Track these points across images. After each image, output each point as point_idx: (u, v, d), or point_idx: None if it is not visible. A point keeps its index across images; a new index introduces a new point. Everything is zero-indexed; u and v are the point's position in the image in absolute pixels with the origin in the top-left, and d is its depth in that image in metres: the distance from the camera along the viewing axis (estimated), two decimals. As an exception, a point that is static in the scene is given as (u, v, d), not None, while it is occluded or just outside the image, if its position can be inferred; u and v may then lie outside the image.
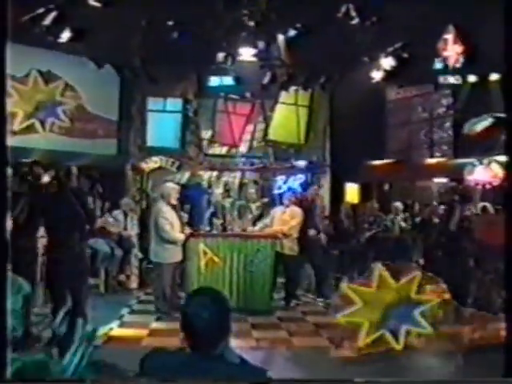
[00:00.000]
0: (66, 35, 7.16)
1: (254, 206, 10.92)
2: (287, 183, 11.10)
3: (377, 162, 12.19)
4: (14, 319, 2.02)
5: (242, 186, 11.88)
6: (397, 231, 9.98)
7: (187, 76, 10.66)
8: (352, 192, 11.51)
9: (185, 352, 1.86)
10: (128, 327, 6.14)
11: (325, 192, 11.06)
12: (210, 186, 11.76)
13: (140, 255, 9.17)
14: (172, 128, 10.72)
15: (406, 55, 10.16)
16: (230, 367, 1.79)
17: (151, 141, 10.67)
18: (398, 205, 10.19)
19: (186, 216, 10.48)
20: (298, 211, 7.84)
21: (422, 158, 12.15)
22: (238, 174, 11.70)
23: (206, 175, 11.55)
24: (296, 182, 11.07)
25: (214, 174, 11.67)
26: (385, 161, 12.05)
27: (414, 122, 12.52)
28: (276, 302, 7.66)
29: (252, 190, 11.58)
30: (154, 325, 6.35)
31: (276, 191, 11.16)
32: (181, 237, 6.97)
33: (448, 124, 12.05)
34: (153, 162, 10.73)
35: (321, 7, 9.01)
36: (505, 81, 2.42)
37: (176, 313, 6.89)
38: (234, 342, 5.51)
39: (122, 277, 9.11)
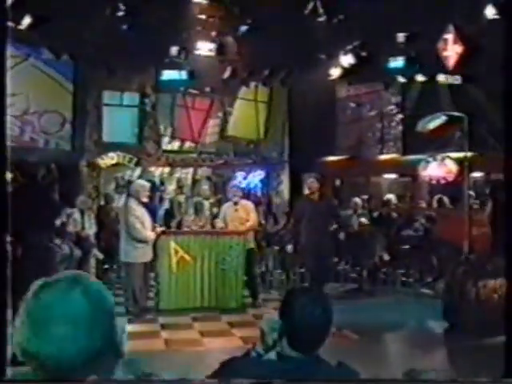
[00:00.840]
0: (26, 21, 6.66)
1: (207, 203, 10.78)
2: (247, 179, 11.04)
3: (332, 158, 12.38)
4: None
5: (194, 182, 11.71)
6: (356, 227, 10.16)
7: (144, 69, 10.32)
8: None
9: (280, 353, 1.76)
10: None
11: (285, 187, 11.10)
12: (162, 183, 11.51)
13: (100, 256, 8.80)
14: (129, 123, 10.36)
15: (364, 53, 10.38)
16: (328, 367, 1.72)
17: (107, 136, 10.25)
18: (358, 200, 10.36)
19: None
20: (250, 205, 7.78)
21: (374, 155, 12.47)
22: (191, 170, 11.51)
23: (157, 171, 11.27)
24: (256, 177, 11.03)
25: (166, 170, 11.42)
26: (340, 157, 12.26)
27: (364, 120, 12.80)
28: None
29: (205, 187, 11.43)
30: (128, 327, 6.05)
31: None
32: (152, 235, 6.75)
33: (397, 121, 12.41)
34: (109, 158, 10.31)
35: (284, 3, 9.03)
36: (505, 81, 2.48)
37: (148, 314, 6.67)
38: (217, 342, 5.45)
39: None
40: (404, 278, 9.49)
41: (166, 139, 10.90)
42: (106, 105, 10.26)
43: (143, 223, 6.71)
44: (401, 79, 11.51)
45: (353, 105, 12.77)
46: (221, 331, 5.84)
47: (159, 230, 6.98)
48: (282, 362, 1.73)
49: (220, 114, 11.08)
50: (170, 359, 4.67)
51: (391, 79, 11.76)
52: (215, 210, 10.44)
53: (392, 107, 12.48)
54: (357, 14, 9.18)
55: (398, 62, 10.82)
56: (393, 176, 12.60)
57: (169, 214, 11.01)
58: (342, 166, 12.37)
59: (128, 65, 9.78)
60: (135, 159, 10.51)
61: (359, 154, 12.30)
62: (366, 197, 11.43)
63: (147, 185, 7.14)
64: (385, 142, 12.60)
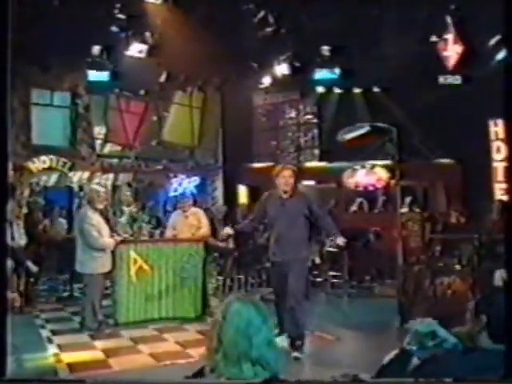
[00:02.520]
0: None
1: (127, 210, 10.44)
2: (182, 185, 10.83)
3: (259, 165, 12.54)
4: (273, 352, 1.69)
5: (115, 188, 11.28)
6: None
7: (76, 68, 9.69)
8: (243, 194, 11.67)
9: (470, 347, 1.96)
10: (72, 350, 5.39)
11: (219, 194, 11.07)
12: (81, 189, 10.92)
13: (34, 268, 8.10)
14: (60, 124, 9.65)
15: (297, 64, 10.72)
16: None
17: (37, 138, 9.46)
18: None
19: (64, 222, 9.63)
20: (200, 212, 7.71)
21: (297, 162, 12.85)
22: (111, 176, 11.08)
23: (75, 177, 10.69)
24: (191, 184, 10.85)
25: (85, 175, 10.86)
26: (269, 163, 12.46)
27: (282, 128, 13.14)
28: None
29: (128, 193, 11.05)
30: (98, 343, 5.68)
31: (172, 193, 10.80)
32: (111, 242, 6.36)
33: (313, 130, 12.93)
34: (41, 162, 9.51)
35: (229, 8, 9.07)
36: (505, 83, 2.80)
37: (107, 328, 6.25)
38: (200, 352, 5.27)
39: (13, 294, 7.94)
40: (335, 280, 9.92)
41: (99, 143, 10.33)
42: (35, 104, 9.47)
43: (100, 231, 6.32)
44: (320, 89, 12.05)
45: (270, 113, 13.04)
46: (198, 341, 5.66)
47: (118, 238, 6.61)
48: (472, 354, 1.97)
49: (155, 119, 10.76)
50: (171, 373, 4.45)
51: (310, 89, 12.26)
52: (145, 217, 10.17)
53: (309, 116, 12.97)
54: (295, 26, 9.48)
55: (327, 74, 11.33)
56: (315, 182, 13.06)
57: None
58: (268, 172, 12.54)
59: (59, 63, 9.15)
60: (69, 163, 9.82)
61: (287, 161, 12.59)
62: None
63: (102, 190, 6.75)
64: (302, 150, 13.05)
